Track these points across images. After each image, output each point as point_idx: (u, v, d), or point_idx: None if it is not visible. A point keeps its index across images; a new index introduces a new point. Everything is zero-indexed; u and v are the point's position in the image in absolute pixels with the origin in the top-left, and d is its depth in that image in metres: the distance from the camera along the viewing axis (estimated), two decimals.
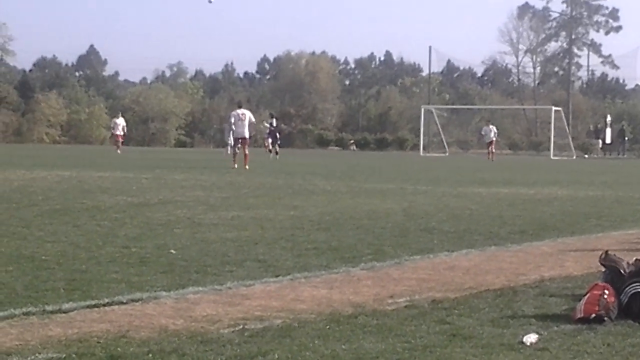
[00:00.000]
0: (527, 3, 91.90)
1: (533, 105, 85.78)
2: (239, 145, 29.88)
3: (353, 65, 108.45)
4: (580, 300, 6.12)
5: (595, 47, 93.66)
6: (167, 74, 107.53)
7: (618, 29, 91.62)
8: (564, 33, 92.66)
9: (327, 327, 5.64)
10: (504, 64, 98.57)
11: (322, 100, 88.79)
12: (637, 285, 6.12)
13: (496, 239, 10.45)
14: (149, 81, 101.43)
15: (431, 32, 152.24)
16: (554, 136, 61.66)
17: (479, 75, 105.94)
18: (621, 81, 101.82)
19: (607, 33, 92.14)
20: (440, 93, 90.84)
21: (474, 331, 5.57)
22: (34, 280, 7.05)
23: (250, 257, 8.51)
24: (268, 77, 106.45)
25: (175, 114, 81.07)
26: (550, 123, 63.00)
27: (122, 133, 49.37)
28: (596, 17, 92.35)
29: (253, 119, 30.72)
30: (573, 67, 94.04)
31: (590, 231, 11.65)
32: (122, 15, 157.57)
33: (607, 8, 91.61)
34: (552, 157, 56.76)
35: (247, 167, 28.15)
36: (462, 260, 8.71)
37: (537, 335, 5.39)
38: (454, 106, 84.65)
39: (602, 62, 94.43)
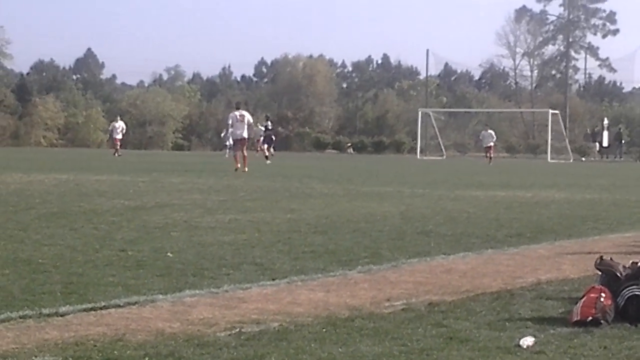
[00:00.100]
0: (524, 6, 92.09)
1: (530, 109, 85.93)
2: (239, 146, 29.84)
3: (350, 69, 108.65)
4: (577, 303, 6.11)
5: (592, 50, 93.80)
6: (165, 77, 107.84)
7: (615, 32, 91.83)
8: (561, 36, 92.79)
9: (324, 330, 5.63)
10: (502, 67, 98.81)
11: (320, 103, 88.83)
12: (633, 288, 6.12)
13: (493, 242, 10.44)
14: (146, 84, 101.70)
15: (428, 35, 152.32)
16: (551, 139, 61.74)
17: (477, 78, 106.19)
18: (618, 84, 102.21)
19: (604, 36, 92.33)
20: (437, 96, 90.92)
21: (471, 334, 5.57)
22: (30, 284, 7.04)
23: (247, 260, 8.50)
24: (265, 80, 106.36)
25: (173, 117, 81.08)
26: (547, 126, 63.12)
27: (121, 137, 49.40)
28: (593, 21, 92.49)
29: (252, 120, 30.73)
30: (570, 70, 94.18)
31: (588, 234, 11.65)
32: (119, 18, 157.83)
33: (604, 11, 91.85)
34: (549, 160, 56.85)
35: (246, 169, 28.11)
36: (459, 263, 8.71)
37: (533, 338, 5.38)
38: (452, 109, 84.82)
39: (599, 65, 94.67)
